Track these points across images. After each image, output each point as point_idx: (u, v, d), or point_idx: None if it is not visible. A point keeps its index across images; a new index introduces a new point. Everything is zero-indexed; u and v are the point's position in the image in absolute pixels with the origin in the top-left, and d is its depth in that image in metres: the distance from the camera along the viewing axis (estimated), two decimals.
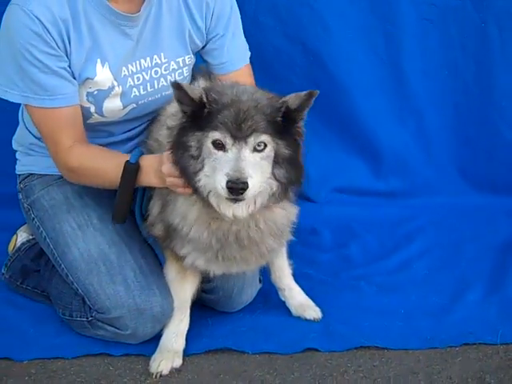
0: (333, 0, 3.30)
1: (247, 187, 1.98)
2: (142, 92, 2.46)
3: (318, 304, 2.62)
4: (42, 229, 2.55)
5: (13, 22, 2.25)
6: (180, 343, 2.40)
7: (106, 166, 2.36)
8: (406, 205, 3.45)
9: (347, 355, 2.41)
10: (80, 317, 2.45)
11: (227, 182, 1.98)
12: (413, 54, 3.43)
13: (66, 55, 2.32)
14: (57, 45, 2.28)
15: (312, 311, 2.59)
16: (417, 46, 3.42)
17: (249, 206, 2.11)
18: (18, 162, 2.73)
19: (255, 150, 2.05)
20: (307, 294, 2.65)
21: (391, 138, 3.51)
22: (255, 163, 2.04)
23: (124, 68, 2.43)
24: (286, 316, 2.61)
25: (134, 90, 2.46)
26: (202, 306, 2.58)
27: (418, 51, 3.43)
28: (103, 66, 2.38)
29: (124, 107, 2.46)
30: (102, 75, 2.39)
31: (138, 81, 2.46)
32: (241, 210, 2.11)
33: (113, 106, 2.44)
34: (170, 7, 2.45)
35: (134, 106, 2.48)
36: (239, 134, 2.03)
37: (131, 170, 2.29)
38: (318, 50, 3.35)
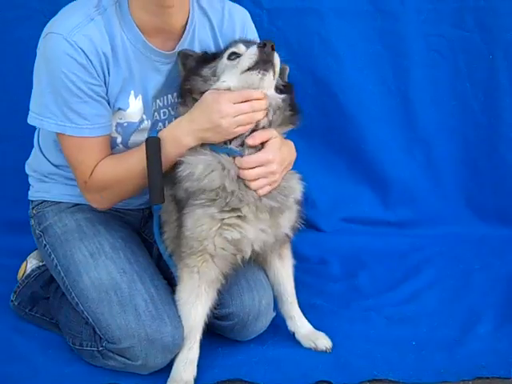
0: (343, 31, 3.34)
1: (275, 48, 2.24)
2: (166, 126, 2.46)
3: (328, 335, 2.60)
4: (53, 256, 2.54)
5: (55, 51, 2.27)
6: (190, 372, 2.36)
7: (130, 162, 2.38)
8: (414, 235, 3.45)
9: None
10: (90, 346, 2.43)
11: (258, 46, 2.25)
12: (421, 84, 3.46)
13: (105, 85, 2.35)
14: (98, 75, 2.31)
15: (324, 340, 2.58)
16: (425, 76, 3.45)
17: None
18: (31, 187, 2.73)
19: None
20: (317, 325, 2.63)
21: (399, 168, 3.52)
22: None
23: (153, 103, 2.46)
24: (296, 347, 2.58)
25: (160, 124, 2.50)
26: (212, 336, 2.55)
27: (426, 82, 3.46)
28: (136, 98, 2.42)
29: None
30: (134, 107, 2.42)
31: (163, 115, 2.50)
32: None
33: (139, 139, 2.46)
34: (202, 46, 2.50)
35: None
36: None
37: (153, 143, 2.29)
38: (328, 80, 3.38)
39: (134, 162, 2.36)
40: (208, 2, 2.53)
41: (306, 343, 2.59)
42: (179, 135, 2.30)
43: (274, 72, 2.31)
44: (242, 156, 2.30)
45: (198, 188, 2.29)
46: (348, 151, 3.49)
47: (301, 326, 2.62)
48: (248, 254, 2.40)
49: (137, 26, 2.37)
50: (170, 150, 2.32)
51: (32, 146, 2.72)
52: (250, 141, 2.30)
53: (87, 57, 2.27)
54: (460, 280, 3.09)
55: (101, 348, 2.39)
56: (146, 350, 2.31)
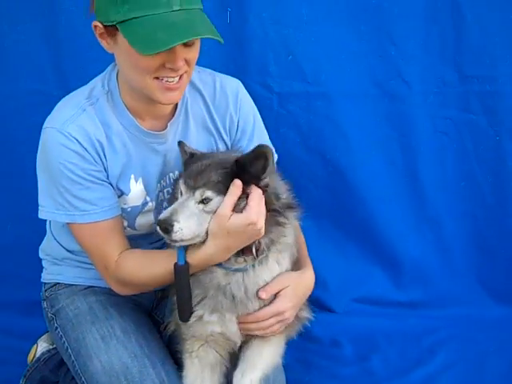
0: (351, 113, 3.40)
1: (171, 229, 2.11)
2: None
3: None
4: (64, 339, 2.53)
5: (51, 144, 2.31)
6: None
7: (156, 271, 2.33)
8: (426, 316, 3.41)
9: None
10: None
11: (158, 220, 2.15)
12: (429, 165, 3.50)
13: (105, 170, 2.38)
14: (95, 161, 2.34)
15: None
16: (433, 157, 3.50)
17: None
18: (44, 270, 2.74)
19: (201, 201, 2.17)
20: None
21: (410, 248, 3.52)
22: (194, 213, 2.15)
23: (157, 184, 2.48)
24: None
25: (165, 203, 2.51)
26: None
27: (434, 163, 3.50)
28: (137, 181, 2.44)
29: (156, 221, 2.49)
30: (136, 191, 2.44)
31: (167, 194, 2.51)
32: None
33: (145, 221, 2.49)
34: (196, 121, 2.51)
35: None
36: (191, 185, 2.19)
37: (182, 271, 2.24)
38: (337, 162, 3.42)
39: (160, 272, 2.31)
40: (198, 77, 2.54)
41: None
42: (214, 261, 2.24)
43: (176, 240, 2.16)
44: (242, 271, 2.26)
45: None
46: (358, 231, 3.50)
47: None
48: (238, 342, 2.35)
49: (129, 111, 2.39)
50: (201, 269, 2.28)
51: (45, 227, 2.75)
52: (262, 294, 2.27)
53: (82, 145, 2.30)
54: (474, 364, 3.04)
55: None
56: None
